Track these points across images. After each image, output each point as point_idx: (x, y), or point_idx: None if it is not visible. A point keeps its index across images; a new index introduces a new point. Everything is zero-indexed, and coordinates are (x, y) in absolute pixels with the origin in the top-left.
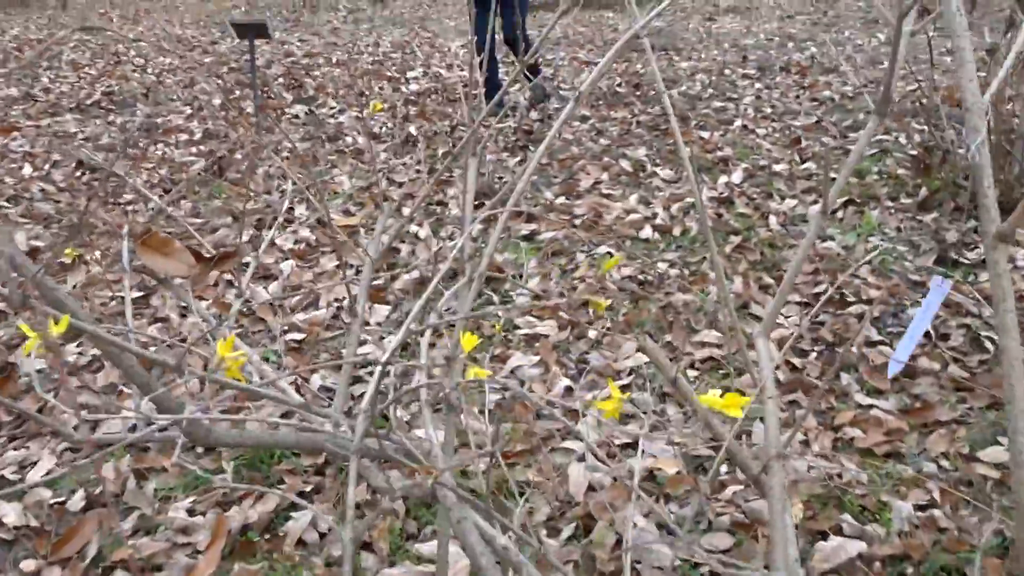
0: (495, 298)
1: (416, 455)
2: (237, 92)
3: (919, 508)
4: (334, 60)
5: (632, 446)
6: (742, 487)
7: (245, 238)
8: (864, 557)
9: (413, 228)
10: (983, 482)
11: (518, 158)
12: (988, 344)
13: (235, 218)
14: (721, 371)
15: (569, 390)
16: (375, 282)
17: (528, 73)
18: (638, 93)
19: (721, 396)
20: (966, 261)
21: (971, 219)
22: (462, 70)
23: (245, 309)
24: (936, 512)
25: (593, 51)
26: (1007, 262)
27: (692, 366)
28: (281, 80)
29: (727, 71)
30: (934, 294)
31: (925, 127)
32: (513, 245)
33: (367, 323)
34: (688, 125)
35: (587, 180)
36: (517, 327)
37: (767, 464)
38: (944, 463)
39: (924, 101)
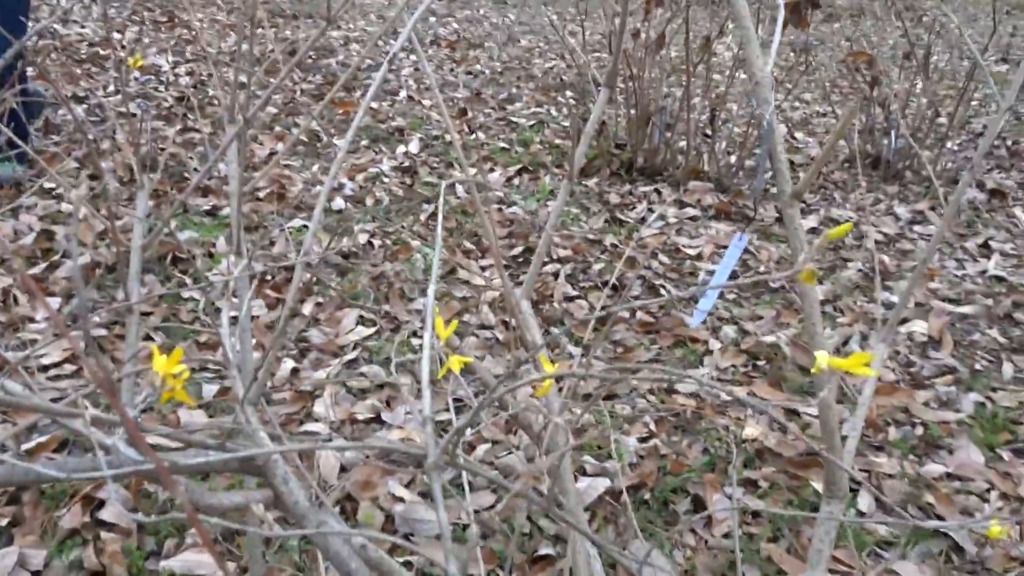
0: (188, 281)
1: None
2: None
3: (642, 440)
4: None
5: (376, 420)
6: (489, 445)
7: None
8: (609, 492)
9: (66, 207)
10: (684, 410)
11: (177, 127)
12: (662, 291)
13: None
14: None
15: (295, 371)
16: (31, 270)
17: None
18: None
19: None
20: (629, 220)
21: (627, 183)
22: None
23: None
24: (656, 442)
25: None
26: (800, 218)
27: (415, 335)
28: None
29: (380, 43)
30: (733, 247)
31: (575, 100)
32: (194, 223)
33: (32, 319)
34: (353, 95)
35: (262, 150)
36: (219, 310)
37: (550, 422)
38: (651, 399)
39: (577, 77)
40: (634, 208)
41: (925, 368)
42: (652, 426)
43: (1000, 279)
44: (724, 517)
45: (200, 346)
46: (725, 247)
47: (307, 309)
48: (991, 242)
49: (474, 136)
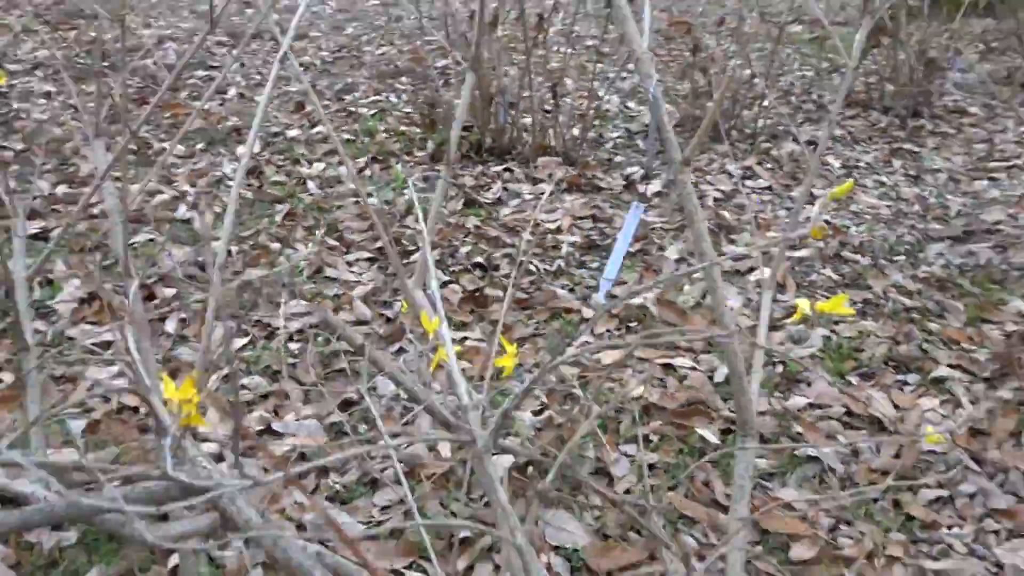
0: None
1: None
2: None
3: (536, 413)
4: None
5: (267, 431)
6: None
7: None
8: (515, 468)
9: None
10: (571, 379)
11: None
12: (532, 267)
13: None
14: (320, 338)
15: None
16: None
17: None
18: (106, 64)
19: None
20: (487, 201)
21: (479, 165)
22: None
23: None
24: (550, 412)
25: None
26: (691, 183)
27: (292, 339)
28: None
29: (196, 37)
30: (632, 216)
31: (425, 86)
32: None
33: None
34: (180, 96)
35: (87, 165)
36: (72, 339)
37: (466, 407)
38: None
39: (410, 62)
40: (489, 188)
41: (775, 310)
42: (544, 398)
43: (825, 222)
44: (624, 474)
45: (57, 380)
46: (582, 218)
47: (170, 327)
48: (813, 190)
49: (316, 130)
